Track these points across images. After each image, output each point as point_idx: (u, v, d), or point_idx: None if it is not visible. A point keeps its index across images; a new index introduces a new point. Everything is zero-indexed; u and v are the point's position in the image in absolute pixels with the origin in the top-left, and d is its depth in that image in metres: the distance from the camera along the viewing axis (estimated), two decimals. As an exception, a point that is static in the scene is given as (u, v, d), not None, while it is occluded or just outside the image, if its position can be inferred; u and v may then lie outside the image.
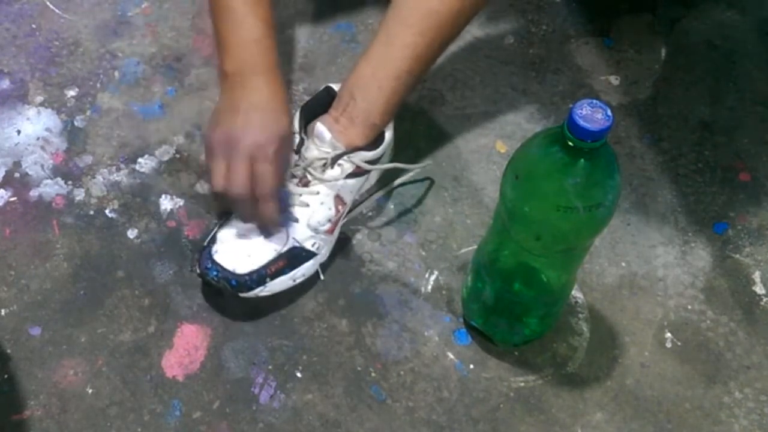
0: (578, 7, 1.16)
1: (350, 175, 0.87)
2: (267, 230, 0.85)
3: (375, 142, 0.88)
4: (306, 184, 0.86)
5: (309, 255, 0.86)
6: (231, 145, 0.79)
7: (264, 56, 0.83)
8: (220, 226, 0.87)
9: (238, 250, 0.84)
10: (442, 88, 1.05)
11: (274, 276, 0.85)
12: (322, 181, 0.86)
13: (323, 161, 0.86)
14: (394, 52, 0.85)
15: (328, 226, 0.87)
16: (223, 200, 0.82)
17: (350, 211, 0.91)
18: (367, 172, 0.88)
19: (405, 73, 0.85)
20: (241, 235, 0.85)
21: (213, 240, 0.86)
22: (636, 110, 1.06)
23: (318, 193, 0.86)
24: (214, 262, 0.84)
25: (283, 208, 0.84)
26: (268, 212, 0.82)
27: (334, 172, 0.86)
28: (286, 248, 0.85)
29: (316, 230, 0.86)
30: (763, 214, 0.98)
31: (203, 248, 0.85)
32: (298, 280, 0.87)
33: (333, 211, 0.86)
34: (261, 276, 0.84)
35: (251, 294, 0.84)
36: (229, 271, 0.83)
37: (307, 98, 0.92)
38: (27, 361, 0.85)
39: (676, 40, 1.13)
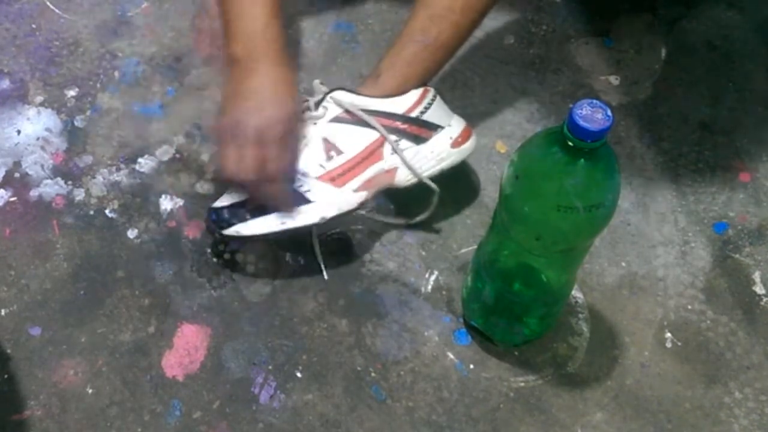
0: (578, 7, 1.16)
1: (339, 120, 0.86)
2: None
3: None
4: None
5: (300, 199, 0.85)
6: (238, 130, 0.80)
7: (270, 43, 0.84)
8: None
9: (228, 191, 0.87)
10: (442, 88, 1.04)
11: (256, 213, 0.85)
12: (305, 122, 0.86)
13: (307, 104, 0.87)
14: (411, 19, 0.88)
15: (320, 171, 0.85)
16: (235, 185, 0.84)
17: (363, 206, 0.89)
18: (368, 125, 0.87)
19: (419, 32, 0.86)
20: None
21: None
22: (636, 110, 1.06)
23: (307, 137, 0.86)
24: (209, 208, 0.87)
25: (295, 190, 0.84)
26: (279, 194, 0.83)
27: (317, 113, 0.87)
28: None
29: (305, 174, 0.85)
30: (763, 214, 0.98)
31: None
32: (287, 225, 0.85)
33: (323, 156, 0.86)
34: (241, 210, 0.84)
35: (232, 231, 0.85)
36: (211, 207, 0.86)
37: (306, 98, 0.92)
38: (27, 361, 0.85)
39: (676, 40, 1.13)
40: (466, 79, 1.07)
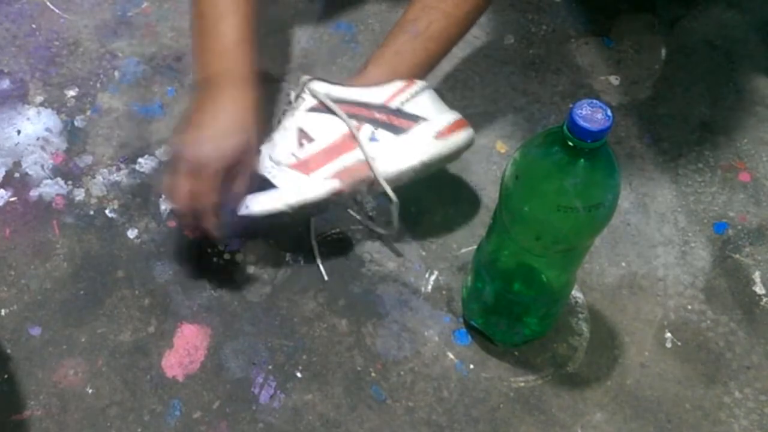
0: (578, 7, 1.16)
1: (315, 110, 0.86)
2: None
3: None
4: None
5: (268, 186, 0.85)
6: (177, 159, 0.80)
7: (235, 66, 0.83)
8: None
9: None
10: (442, 88, 1.05)
11: None
12: (285, 113, 0.86)
13: (289, 97, 0.87)
14: (405, 12, 0.88)
15: (292, 160, 0.85)
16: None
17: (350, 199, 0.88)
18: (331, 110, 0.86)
19: (409, 23, 0.86)
20: None
21: None
22: (636, 110, 1.06)
23: (285, 128, 0.86)
24: None
25: (227, 224, 0.83)
26: (207, 226, 0.82)
27: (296, 104, 0.87)
28: None
29: (278, 163, 0.85)
30: (763, 214, 0.98)
31: None
32: (251, 209, 0.84)
33: (295, 144, 0.85)
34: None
35: None
36: None
37: (289, 92, 0.92)
38: (27, 361, 0.85)
39: (676, 40, 1.13)
40: (466, 79, 1.07)
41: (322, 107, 0.86)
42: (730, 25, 1.15)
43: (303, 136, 0.85)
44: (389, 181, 0.85)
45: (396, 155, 0.85)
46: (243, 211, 0.84)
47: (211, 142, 0.80)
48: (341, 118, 0.85)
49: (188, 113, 0.83)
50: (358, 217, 0.94)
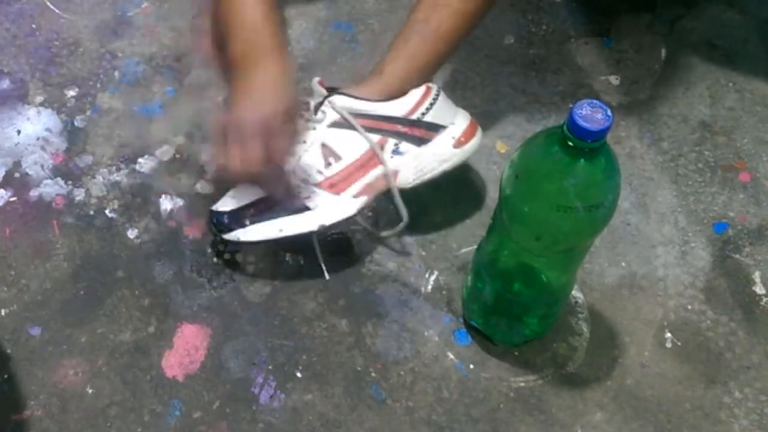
0: (578, 7, 1.16)
1: (338, 125, 0.86)
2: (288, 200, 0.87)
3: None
4: None
5: (299, 206, 0.86)
6: (238, 128, 0.81)
7: (265, 39, 0.84)
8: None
9: (230, 192, 0.88)
10: (442, 89, 1.05)
11: (255, 219, 0.86)
12: (304, 122, 0.87)
13: (307, 106, 0.87)
14: (413, 11, 0.89)
15: (319, 178, 0.86)
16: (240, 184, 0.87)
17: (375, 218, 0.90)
18: (367, 129, 0.87)
19: (420, 23, 0.86)
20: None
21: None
22: (636, 110, 1.06)
23: (305, 141, 0.86)
24: (211, 210, 0.89)
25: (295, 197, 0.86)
26: (284, 182, 0.85)
27: (316, 117, 0.87)
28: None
29: (305, 181, 0.86)
30: (763, 214, 0.98)
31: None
32: (285, 232, 0.86)
33: (322, 162, 0.86)
34: (240, 216, 0.86)
35: (232, 236, 0.86)
36: (212, 210, 0.87)
37: (307, 98, 0.92)
38: (27, 361, 0.85)
39: (676, 40, 1.13)
40: (466, 79, 1.07)
41: (345, 122, 0.87)
42: (730, 25, 1.15)
43: (329, 153, 0.86)
44: (411, 189, 0.88)
45: (419, 166, 0.88)
46: (276, 234, 0.85)
47: (253, 107, 0.81)
48: (363, 136, 0.86)
49: (232, 92, 0.84)
50: (361, 221, 0.94)
